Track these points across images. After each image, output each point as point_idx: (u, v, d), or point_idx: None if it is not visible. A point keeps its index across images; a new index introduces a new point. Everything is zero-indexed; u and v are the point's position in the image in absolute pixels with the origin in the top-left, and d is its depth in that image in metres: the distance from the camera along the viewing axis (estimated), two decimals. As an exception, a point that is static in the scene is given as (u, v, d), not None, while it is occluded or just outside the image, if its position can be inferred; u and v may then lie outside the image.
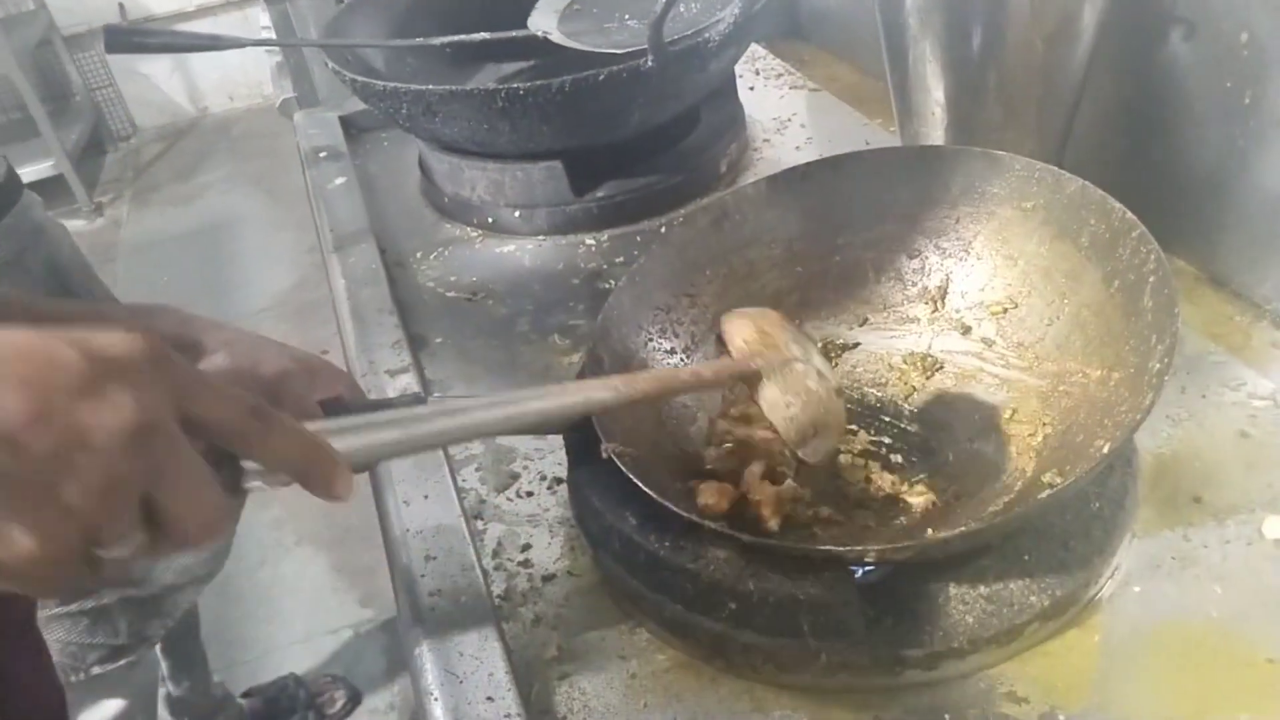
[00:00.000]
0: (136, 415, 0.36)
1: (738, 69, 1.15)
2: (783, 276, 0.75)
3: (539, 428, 0.59)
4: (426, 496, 0.68)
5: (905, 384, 0.71)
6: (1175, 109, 0.81)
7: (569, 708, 0.55)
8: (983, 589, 0.55)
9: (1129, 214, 0.63)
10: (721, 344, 0.61)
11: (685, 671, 0.56)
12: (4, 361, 0.35)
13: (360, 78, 0.93)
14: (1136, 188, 0.85)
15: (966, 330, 0.72)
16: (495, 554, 0.65)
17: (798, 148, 1.08)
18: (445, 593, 0.60)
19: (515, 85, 0.87)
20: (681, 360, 0.70)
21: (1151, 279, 0.59)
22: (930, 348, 0.73)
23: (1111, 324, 0.61)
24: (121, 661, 1.25)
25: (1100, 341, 0.62)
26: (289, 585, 1.84)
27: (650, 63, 0.87)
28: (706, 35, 0.91)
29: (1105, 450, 0.54)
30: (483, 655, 0.56)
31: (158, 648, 1.50)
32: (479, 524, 0.67)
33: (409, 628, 0.58)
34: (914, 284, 0.74)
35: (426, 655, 0.56)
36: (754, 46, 1.30)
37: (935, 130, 0.88)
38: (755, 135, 1.11)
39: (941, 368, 0.71)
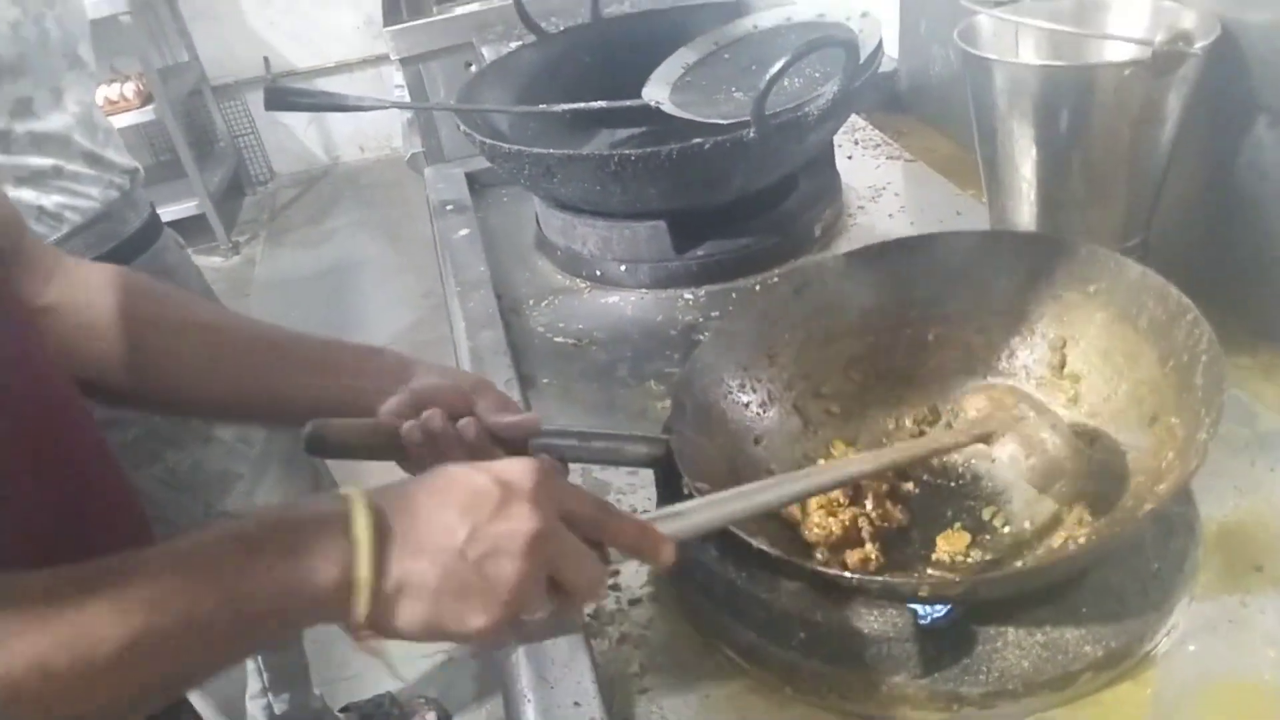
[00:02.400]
0: (537, 523, 0.51)
1: (837, 138, 1.21)
2: (856, 343, 0.80)
3: (803, 497, 0.66)
4: (528, 521, 0.74)
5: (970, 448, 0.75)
6: (1259, 193, 0.84)
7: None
8: (1040, 636, 0.58)
9: (1184, 298, 0.67)
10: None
11: (755, 695, 0.61)
12: (448, 491, 0.52)
13: (488, 140, 1.02)
14: (1220, 266, 0.88)
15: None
16: (587, 578, 0.71)
17: (890, 215, 1.14)
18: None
19: (627, 151, 0.95)
20: (757, 413, 0.76)
21: (1204, 358, 0.62)
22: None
23: (1165, 400, 0.65)
24: None
25: (1153, 415, 0.65)
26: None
27: (753, 134, 0.94)
28: (806, 110, 0.97)
29: (1146, 509, 0.57)
30: (572, 665, 0.61)
31: (259, 660, 1.59)
32: (574, 550, 0.74)
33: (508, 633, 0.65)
34: (980, 358, 0.78)
35: (523, 661, 0.62)
36: (854, 117, 1.36)
37: (1022, 205, 0.92)
38: (850, 202, 1.17)
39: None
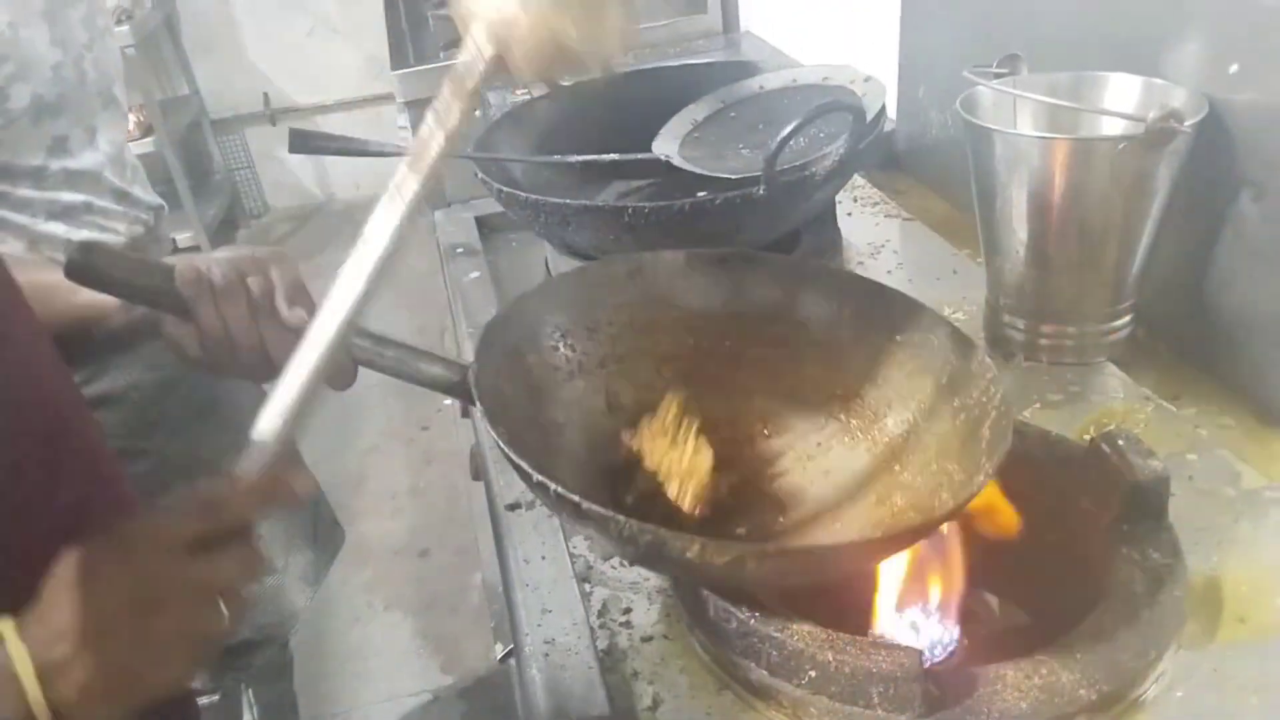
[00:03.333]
0: (165, 593, 0.54)
1: (838, 196, 1.26)
2: (676, 342, 0.82)
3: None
4: (544, 557, 0.77)
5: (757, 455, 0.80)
6: (1244, 263, 0.88)
7: (662, 751, 0.63)
8: (1037, 680, 0.61)
9: (987, 359, 0.72)
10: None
11: (765, 731, 0.64)
12: (84, 605, 0.52)
13: (506, 188, 1.06)
14: (1206, 331, 0.93)
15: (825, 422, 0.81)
16: (600, 614, 0.74)
17: (889, 271, 1.18)
18: (558, 641, 0.69)
19: (641, 204, 0.99)
20: (564, 378, 0.78)
21: (993, 414, 0.68)
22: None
23: (949, 447, 0.71)
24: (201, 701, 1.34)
25: (938, 457, 0.72)
26: (376, 646, 1.94)
27: (762, 190, 0.98)
28: (813, 169, 1.02)
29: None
30: (588, 697, 0.64)
31: (250, 694, 1.60)
32: (586, 586, 0.76)
33: (527, 665, 0.67)
34: (786, 384, 0.82)
35: (540, 690, 0.64)
36: (854, 176, 1.41)
37: (1018, 266, 0.96)
38: (850, 258, 1.21)
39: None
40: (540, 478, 0.61)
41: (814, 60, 1.80)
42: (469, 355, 1.06)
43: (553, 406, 0.77)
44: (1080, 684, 0.61)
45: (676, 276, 0.84)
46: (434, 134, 0.60)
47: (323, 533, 1.36)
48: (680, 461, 0.72)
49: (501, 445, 0.63)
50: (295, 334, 0.62)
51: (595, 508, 0.59)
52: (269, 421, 0.57)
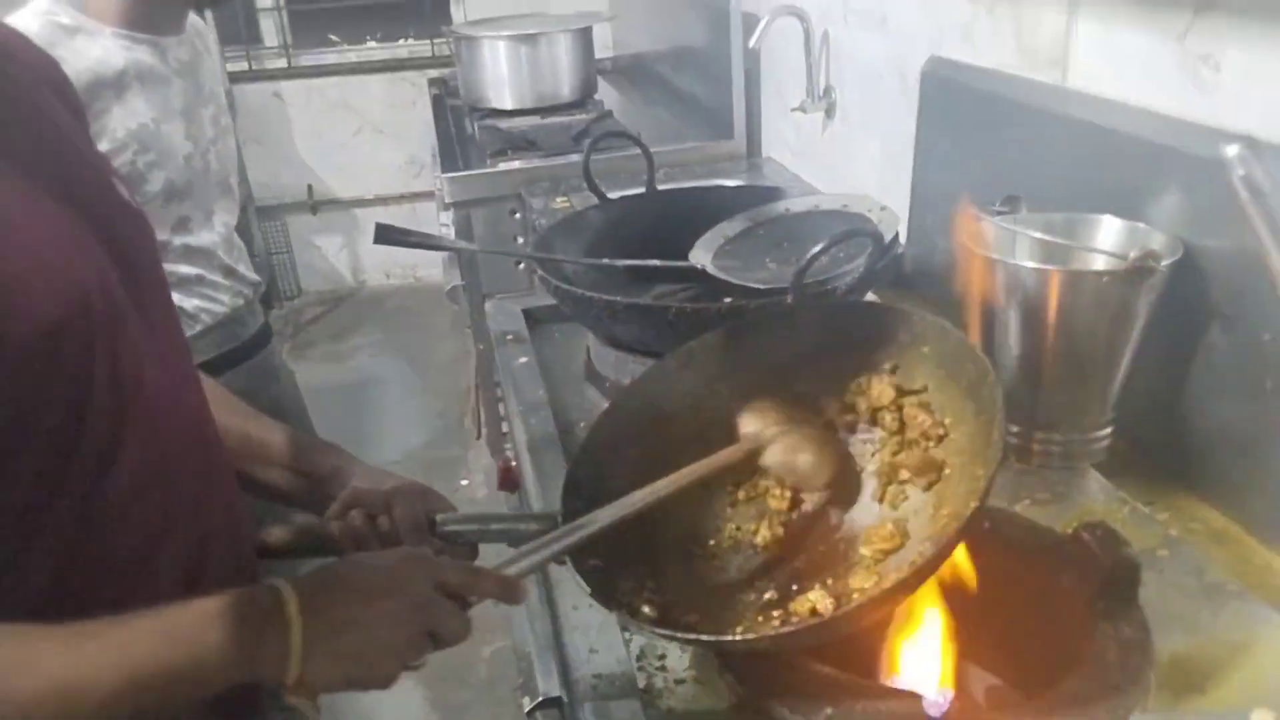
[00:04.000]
0: (417, 601, 0.70)
1: (855, 310, 1.39)
2: (740, 405, 0.94)
3: (620, 519, 0.80)
4: (590, 606, 0.87)
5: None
6: (1212, 386, 1.01)
7: (692, 776, 0.73)
8: (1020, 726, 0.71)
9: (982, 359, 0.85)
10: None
11: (782, 761, 0.74)
12: (352, 582, 0.72)
13: (563, 285, 1.20)
14: (1179, 444, 1.05)
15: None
16: (639, 658, 0.84)
17: (900, 379, 1.30)
18: (604, 677, 0.79)
19: (684, 305, 1.12)
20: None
21: (996, 416, 0.79)
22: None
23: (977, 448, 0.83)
24: None
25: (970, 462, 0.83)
26: (386, 716, 2.00)
27: (790, 298, 1.11)
28: (835, 285, 1.15)
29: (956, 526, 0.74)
30: (632, 722, 0.74)
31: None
32: (626, 634, 0.86)
33: (579, 697, 0.77)
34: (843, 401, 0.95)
35: (592, 713, 0.74)
36: (869, 293, 1.55)
37: (1013, 379, 1.08)
38: (865, 365, 1.34)
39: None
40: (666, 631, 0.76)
41: (828, 186, 1.97)
42: (519, 432, 1.18)
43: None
44: (1057, 733, 0.71)
45: (724, 351, 0.98)
46: (688, 474, 0.84)
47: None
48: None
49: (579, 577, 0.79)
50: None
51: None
52: (529, 560, 0.77)
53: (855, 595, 0.79)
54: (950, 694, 0.81)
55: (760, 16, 2.15)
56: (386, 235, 1.21)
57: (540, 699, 1.11)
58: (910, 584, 0.74)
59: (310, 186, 4.08)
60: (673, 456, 0.92)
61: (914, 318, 0.92)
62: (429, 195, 3.79)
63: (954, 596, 0.85)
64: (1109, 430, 1.08)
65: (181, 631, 0.65)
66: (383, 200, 4.11)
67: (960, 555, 0.84)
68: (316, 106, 3.98)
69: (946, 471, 0.87)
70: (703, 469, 0.83)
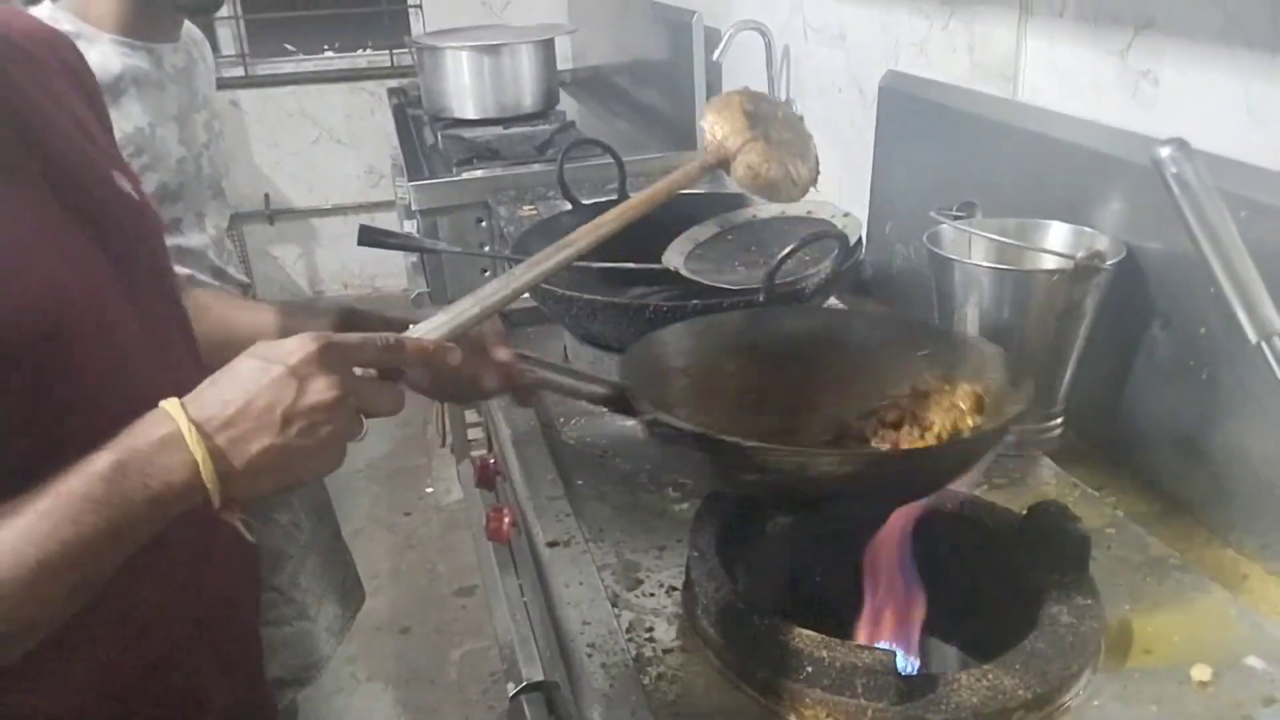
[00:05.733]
0: (335, 390, 0.66)
1: (819, 311, 1.46)
2: (745, 377, 1.05)
3: (559, 269, 0.84)
4: (581, 583, 0.92)
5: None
6: (1153, 377, 1.09)
7: (684, 733, 0.78)
8: (985, 682, 0.77)
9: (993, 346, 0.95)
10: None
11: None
12: (254, 386, 0.65)
13: (543, 284, 1.24)
14: (1124, 431, 1.12)
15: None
16: (628, 631, 0.89)
17: (863, 376, 1.37)
18: (598, 647, 0.84)
19: (661, 302, 1.18)
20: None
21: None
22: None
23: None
24: None
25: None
26: (359, 715, 2.02)
27: (762, 298, 1.18)
28: (804, 284, 1.21)
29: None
30: (627, 689, 0.79)
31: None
32: (615, 609, 0.91)
33: (578, 667, 0.82)
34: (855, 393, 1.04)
35: (587, 684, 0.79)
36: (831, 296, 1.62)
37: (972, 372, 1.15)
38: (829, 363, 1.40)
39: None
40: (705, 432, 0.81)
41: (794, 196, 2.04)
42: (503, 428, 1.23)
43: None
44: (1018, 687, 0.77)
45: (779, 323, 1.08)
46: (647, 198, 0.83)
47: (349, 590, 1.49)
48: None
49: (671, 422, 0.84)
50: (500, 370, 0.89)
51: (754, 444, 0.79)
52: (434, 322, 0.75)
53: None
54: (916, 665, 0.88)
55: (721, 31, 2.22)
56: (370, 237, 1.25)
57: (524, 684, 1.16)
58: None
59: (267, 196, 4.07)
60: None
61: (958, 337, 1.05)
62: (387, 205, 3.80)
63: (920, 571, 0.91)
64: (1060, 421, 1.15)
65: (85, 493, 0.62)
66: (341, 210, 4.12)
67: (923, 533, 0.90)
68: (274, 116, 3.97)
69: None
70: (667, 185, 0.82)
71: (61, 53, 0.84)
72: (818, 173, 0.86)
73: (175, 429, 0.63)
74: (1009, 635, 0.85)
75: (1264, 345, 0.65)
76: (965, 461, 0.88)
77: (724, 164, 0.80)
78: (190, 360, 0.86)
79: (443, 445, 2.76)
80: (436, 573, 2.43)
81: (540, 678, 1.17)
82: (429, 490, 2.84)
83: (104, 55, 1.14)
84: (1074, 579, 0.88)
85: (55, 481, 0.62)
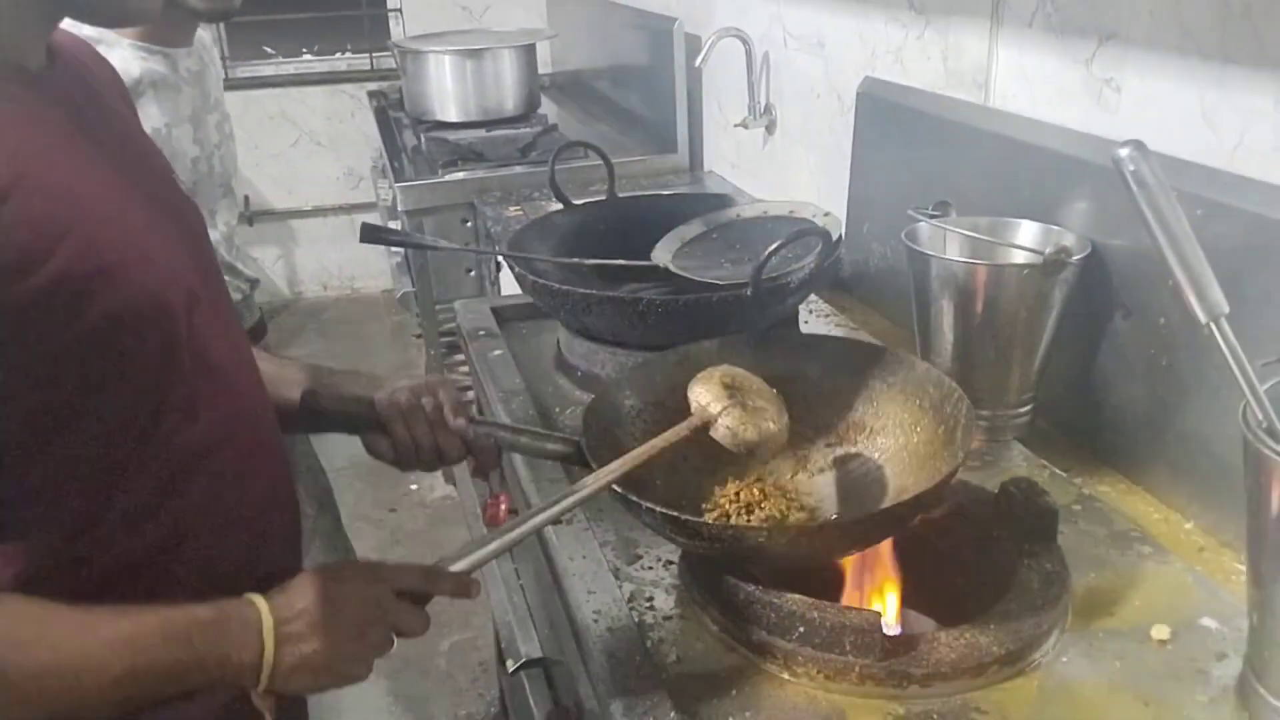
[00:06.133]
0: (378, 613, 0.79)
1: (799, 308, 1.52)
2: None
3: (567, 510, 0.88)
4: (584, 558, 0.98)
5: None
6: (1118, 365, 1.16)
7: (688, 690, 0.84)
8: (963, 640, 0.84)
9: (951, 382, 0.99)
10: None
11: (764, 679, 0.85)
12: (322, 601, 0.77)
13: (540, 280, 1.30)
14: (1090, 417, 1.19)
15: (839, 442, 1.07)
16: (630, 601, 0.94)
17: (843, 368, 1.44)
18: (603, 613, 0.90)
19: (654, 297, 1.24)
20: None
21: (962, 421, 0.94)
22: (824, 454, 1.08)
23: (937, 450, 0.97)
24: None
25: (930, 459, 0.98)
26: (351, 704, 2.06)
27: (750, 291, 1.24)
28: (789, 279, 1.28)
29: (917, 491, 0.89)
30: (632, 650, 0.85)
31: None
32: (617, 581, 0.97)
33: (584, 630, 0.87)
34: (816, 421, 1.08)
35: (594, 641, 0.85)
36: (811, 294, 1.68)
37: (946, 362, 1.22)
38: (811, 356, 1.47)
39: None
40: (648, 505, 0.86)
41: (769, 197, 2.11)
42: (501, 418, 1.28)
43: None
44: (993, 644, 0.84)
45: (715, 357, 1.08)
46: (642, 454, 0.90)
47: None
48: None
49: (618, 490, 0.88)
50: (459, 437, 0.98)
51: (693, 519, 0.87)
52: (469, 559, 0.83)
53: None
54: (899, 629, 0.94)
55: (701, 37, 2.29)
56: (373, 234, 1.30)
57: (523, 660, 1.22)
58: (882, 522, 0.88)
59: (246, 198, 4.09)
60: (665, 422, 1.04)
61: (887, 355, 1.08)
62: (368, 206, 3.85)
63: (898, 547, 0.97)
64: (1030, 407, 1.22)
65: (177, 633, 0.72)
66: (320, 211, 4.15)
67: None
68: (254, 118, 4.00)
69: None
70: (662, 442, 0.92)
71: (103, 62, 0.90)
72: (788, 430, 0.97)
73: (258, 616, 0.76)
74: (983, 604, 0.92)
75: (1213, 326, 0.71)
76: (900, 521, 0.91)
77: (708, 425, 0.92)
78: (247, 348, 0.93)
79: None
80: (423, 566, 2.47)
81: (539, 655, 1.23)
82: (413, 487, 2.88)
83: (124, 59, 1.19)
84: (1043, 549, 0.94)
85: (144, 610, 0.73)
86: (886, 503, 0.98)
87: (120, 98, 0.89)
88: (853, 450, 1.06)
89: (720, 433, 0.92)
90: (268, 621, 0.75)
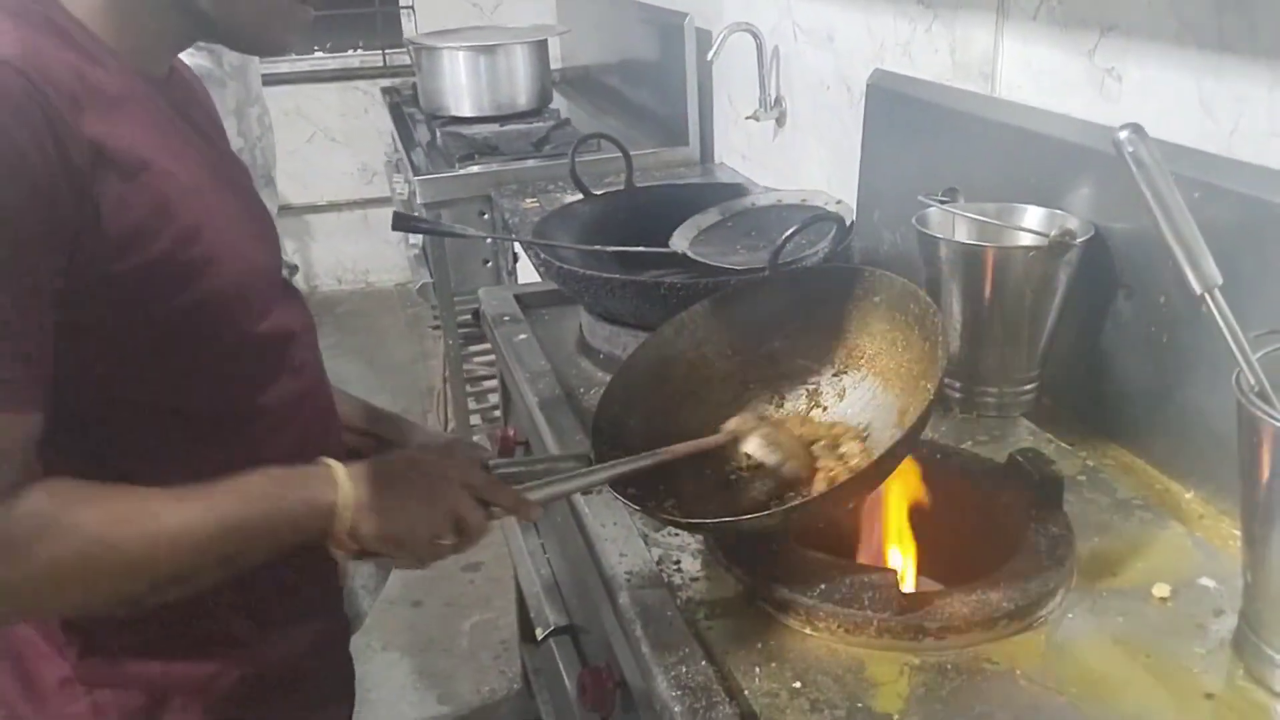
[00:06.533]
0: (449, 486, 0.86)
1: (814, 291, 1.58)
2: (727, 363, 1.14)
3: (614, 480, 0.96)
4: (615, 524, 1.04)
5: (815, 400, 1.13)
6: (1120, 343, 1.21)
7: (717, 644, 0.89)
8: (974, 596, 0.89)
9: (925, 297, 1.03)
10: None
11: (787, 633, 0.90)
12: (398, 464, 0.89)
13: (565, 265, 1.36)
14: (1094, 393, 1.25)
15: (844, 369, 1.12)
16: (658, 563, 1.00)
17: (856, 350, 1.49)
18: (635, 574, 0.96)
19: (675, 280, 1.29)
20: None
21: (939, 336, 0.98)
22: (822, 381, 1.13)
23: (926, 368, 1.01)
24: None
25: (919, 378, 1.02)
26: (376, 681, 2.13)
27: (767, 274, 1.29)
28: (805, 262, 1.33)
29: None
30: (664, 605, 0.90)
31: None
32: (646, 546, 1.03)
33: (617, 589, 0.93)
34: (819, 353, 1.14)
35: (628, 600, 0.90)
36: (823, 278, 1.74)
37: (955, 341, 1.27)
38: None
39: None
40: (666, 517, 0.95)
41: (780, 187, 2.16)
42: (529, 397, 1.34)
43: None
44: (1002, 600, 0.89)
45: (709, 318, 1.15)
46: (688, 447, 1.00)
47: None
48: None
49: (622, 499, 0.95)
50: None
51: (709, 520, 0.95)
52: (545, 491, 0.91)
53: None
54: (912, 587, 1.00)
55: (712, 32, 2.34)
56: (403, 223, 1.35)
57: (552, 628, 1.28)
58: (883, 465, 0.92)
59: (262, 193, 4.16)
60: (673, 408, 1.11)
61: (866, 273, 1.10)
62: (381, 201, 3.91)
63: (911, 515, 1.03)
64: (1036, 384, 1.28)
65: (257, 491, 0.80)
66: (335, 207, 4.21)
67: (915, 480, 1.02)
68: (271, 112, 4.05)
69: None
70: (693, 447, 1.00)
71: (195, 77, 1.00)
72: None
73: (330, 467, 0.84)
74: (991, 565, 0.97)
75: (1207, 296, 0.77)
76: (884, 472, 0.94)
77: (738, 439, 1.01)
78: (313, 330, 1.00)
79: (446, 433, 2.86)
80: (442, 552, 2.53)
81: (567, 622, 1.28)
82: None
83: None
84: (1049, 514, 1.00)
85: (228, 478, 0.80)
86: (894, 427, 1.03)
87: (211, 109, 0.98)
88: (858, 375, 1.11)
89: (750, 447, 1.00)
90: (340, 470, 0.83)
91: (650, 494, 0.98)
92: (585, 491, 0.96)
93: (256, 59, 1.41)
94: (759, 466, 1.00)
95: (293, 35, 0.86)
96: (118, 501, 0.75)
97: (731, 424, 1.03)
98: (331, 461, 0.84)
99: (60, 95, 0.70)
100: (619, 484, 0.94)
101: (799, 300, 1.14)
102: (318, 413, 0.96)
